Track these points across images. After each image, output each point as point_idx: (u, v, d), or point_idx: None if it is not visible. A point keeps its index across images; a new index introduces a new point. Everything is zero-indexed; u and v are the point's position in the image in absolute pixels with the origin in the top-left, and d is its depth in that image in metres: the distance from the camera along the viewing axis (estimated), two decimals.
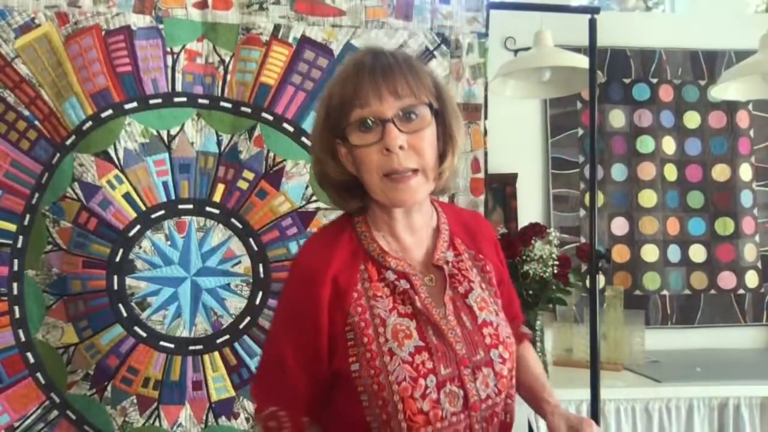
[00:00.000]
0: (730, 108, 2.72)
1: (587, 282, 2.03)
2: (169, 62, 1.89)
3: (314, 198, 1.94)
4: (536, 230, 2.25)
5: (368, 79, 0.92)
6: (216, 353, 1.92)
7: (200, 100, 1.91)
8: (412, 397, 0.90)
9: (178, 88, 1.90)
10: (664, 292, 2.66)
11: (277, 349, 0.99)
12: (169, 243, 1.90)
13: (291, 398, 0.97)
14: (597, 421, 1.72)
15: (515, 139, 2.56)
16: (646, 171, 2.68)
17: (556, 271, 2.19)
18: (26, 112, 1.84)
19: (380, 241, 1.01)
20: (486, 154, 2.06)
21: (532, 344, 1.35)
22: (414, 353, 0.92)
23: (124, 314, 1.87)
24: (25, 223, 1.84)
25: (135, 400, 1.88)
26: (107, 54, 1.85)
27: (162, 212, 1.89)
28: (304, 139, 1.95)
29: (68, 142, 1.84)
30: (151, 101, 1.88)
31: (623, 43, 2.71)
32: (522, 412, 1.18)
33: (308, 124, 1.95)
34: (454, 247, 1.04)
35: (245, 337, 1.93)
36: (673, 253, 2.67)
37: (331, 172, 1.00)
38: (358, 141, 0.94)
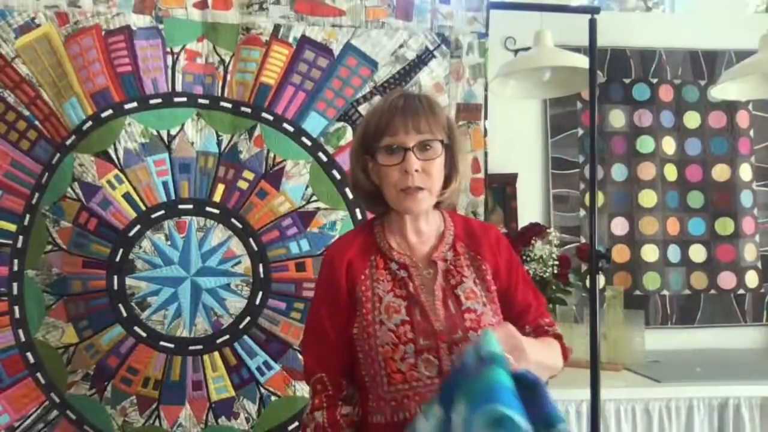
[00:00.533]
0: (730, 108, 2.72)
1: (587, 282, 2.03)
2: (169, 62, 1.89)
3: (314, 198, 1.95)
4: (536, 230, 2.25)
5: (399, 116, 1.20)
6: (216, 353, 1.92)
7: (200, 100, 1.91)
8: (392, 359, 1.16)
9: (178, 88, 1.90)
10: (664, 292, 2.65)
11: (317, 318, 1.26)
12: (169, 243, 1.90)
13: (330, 363, 1.23)
14: (597, 422, 1.72)
15: (515, 139, 2.56)
16: (646, 171, 2.67)
17: (556, 271, 2.19)
18: (26, 112, 1.84)
19: (391, 240, 1.28)
20: (486, 154, 2.07)
21: (560, 343, 1.37)
22: (399, 325, 1.18)
23: (124, 314, 1.87)
24: (25, 223, 1.84)
25: (135, 400, 1.88)
26: (107, 54, 1.85)
27: (162, 212, 1.89)
28: (304, 139, 1.95)
29: (68, 142, 1.85)
30: (151, 101, 1.88)
31: (623, 43, 2.71)
32: None
33: (308, 124, 1.96)
34: (454, 249, 1.28)
35: (245, 337, 1.93)
36: (673, 253, 2.67)
37: (361, 182, 1.28)
38: (385, 161, 1.21)
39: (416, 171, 1.19)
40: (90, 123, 1.85)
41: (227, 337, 1.92)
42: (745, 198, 2.70)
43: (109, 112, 1.86)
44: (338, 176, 1.96)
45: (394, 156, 1.20)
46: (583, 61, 2.00)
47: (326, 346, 1.24)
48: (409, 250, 1.27)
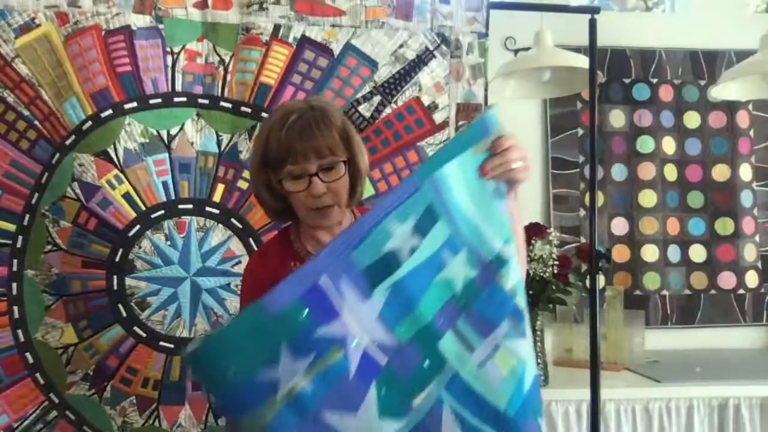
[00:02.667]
0: (730, 108, 2.72)
1: (587, 282, 2.03)
2: (169, 62, 1.89)
3: None
4: (536, 230, 2.25)
5: (297, 141, 1.21)
6: None
7: (200, 100, 1.91)
8: None
9: (178, 88, 1.90)
10: (664, 292, 2.65)
11: None
12: (168, 243, 1.89)
13: None
14: (597, 422, 1.72)
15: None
16: (646, 171, 2.67)
17: (556, 272, 2.18)
18: (26, 112, 1.84)
19: (307, 245, 1.32)
20: None
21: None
22: None
23: (124, 314, 1.87)
24: (25, 223, 1.84)
25: (134, 401, 1.88)
26: (107, 54, 1.85)
27: (162, 212, 1.89)
28: None
29: (68, 142, 1.84)
30: (151, 101, 1.88)
31: (623, 43, 2.71)
32: None
33: None
34: None
35: None
36: (673, 253, 2.67)
37: (266, 200, 1.32)
38: (292, 188, 1.24)
39: (324, 194, 1.23)
40: (90, 123, 1.85)
41: None
42: (745, 198, 2.70)
43: (109, 112, 1.86)
44: None
45: (299, 182, 1.23)
46: (583, 61, 2.00)
47: None
48: None
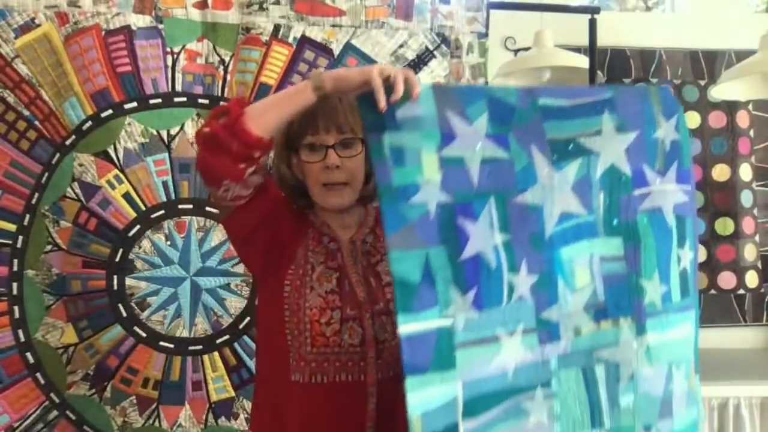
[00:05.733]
0: (730, 108, 2.72)
1: None
2: (169, 62, 1.89)
3: None
4: None
5: (320, 115, 1.24)
6: (216, 353, 1.91)
7: (200, 100, 1.91)
8: (318, 321, 1.23)
9: (178, 88, 1.90)
10: None
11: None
12: (169, 243, 1.89)
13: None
14: None
15: None
16: None
17: None
18: (26, 112, 1.83)
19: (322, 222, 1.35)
20: None
21: None
22: (329, 293, 1.26)
23: (124, 314, 1.87)
24: (25, 223, 1.84)
25: (134, 401, 1.88)
26: (107, 54, 1.85)
27: (162, 212, 1.89)
28: None
29: (68, 142, 1.84)
30: (151, 101, 1.88)
31: (623, 43, 2.71)
32: None
33: None
34: (375, 233, 1.35)
35: (245, 337, 1.92)
36: None
37: (285, 176, 1.34)
38: (307, 159, 1.27)
39: (337, 167, 1.25)
40: (90, 123, 1.85)
41: (227, 337, 1.92)
42: (745, 198, 2.70)
43: (109, 112, 1.86)
44: None
45: (316, 153, 1.26)
46: (583, 61, 2.00)
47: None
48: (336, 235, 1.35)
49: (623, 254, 1.23)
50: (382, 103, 1.04)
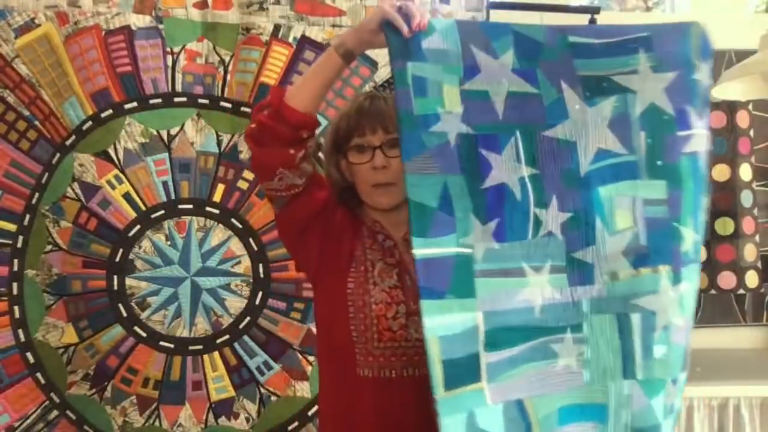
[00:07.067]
0: (730, 108, 2.71)
1: None
2: (169, 62, 1.89)
3: None
4: None
5: (366, 117, 1.28)
6: (216, 353, 1.92)
7: (200, 100, 1.91)
8: (385, 316, 1.25)
9: (178, 88, 1.90)
10: None
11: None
12: (169, 243, 1.90)
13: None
14: None
15: None
16: None
17: None
18: (26, 112, 1.84)
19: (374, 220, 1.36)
20: None
21: None
22: (392, 288, 1.27)
23: (124, 314, 1.87)
24: (25, 223, 1.84)
25: (135, 400, 1.88)
26: (107, 54, 1.85)
27: (162, 212, 1.89)
28: None
29: (68, 142, 1.84)
30: (151, 101, 1.88)
31: None
32: None
33: None
34: None
35: (245, 337, 1.92)
36: None
37: (335, 179, 1.35)
38: (355, 160, 1.29)
39: (384, 167, 1.26)
40: (90, 123, 1.85)
41: (227, 337, 1.92)
42: (745, 198, 2.70)
43: (109, 112, 1.86)
44: None
45: (363, 155, 1.28)
46: None
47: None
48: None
49: (666, 198, 1.20)
50: (405, 28, 1.08)
